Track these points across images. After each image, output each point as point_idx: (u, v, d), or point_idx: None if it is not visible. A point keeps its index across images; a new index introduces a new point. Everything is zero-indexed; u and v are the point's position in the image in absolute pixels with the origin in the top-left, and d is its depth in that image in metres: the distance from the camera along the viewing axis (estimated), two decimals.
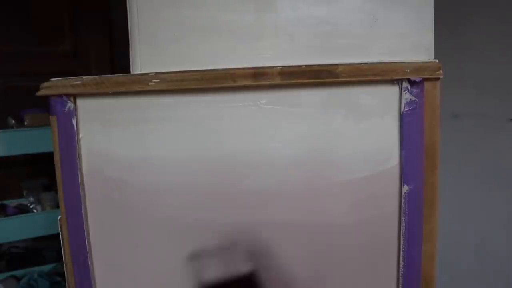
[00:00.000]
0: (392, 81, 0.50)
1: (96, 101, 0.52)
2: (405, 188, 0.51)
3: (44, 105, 0.52)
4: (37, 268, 1.56)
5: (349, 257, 0.53)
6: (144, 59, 0.52)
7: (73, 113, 0.52)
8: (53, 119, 0.52)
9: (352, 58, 0.51)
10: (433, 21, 0.51)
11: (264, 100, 0.52)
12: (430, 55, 0.51)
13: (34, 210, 1.59)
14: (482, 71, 1.24)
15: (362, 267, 0.54)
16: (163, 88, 0.50)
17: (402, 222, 0.51)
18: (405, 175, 0.51)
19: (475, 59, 1.24)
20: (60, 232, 0.54)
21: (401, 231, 0.52)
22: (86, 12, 2.17)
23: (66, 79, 0.51)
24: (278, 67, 0.49)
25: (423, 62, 0.50)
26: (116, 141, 0.53)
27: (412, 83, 0.49)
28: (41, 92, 0.51)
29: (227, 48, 0.52)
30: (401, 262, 0.52)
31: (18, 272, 1.54)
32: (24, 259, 1.70)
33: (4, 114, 1.57)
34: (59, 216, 0.54)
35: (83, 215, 0.53)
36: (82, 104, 0.52)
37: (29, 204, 1.61)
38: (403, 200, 0.51)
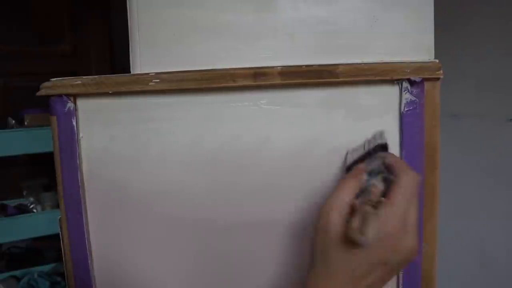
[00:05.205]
0: (392, 81, 0.50)
1: (96, 101, 0.52)
2: None
3: (44, 105, 0.52)
4: (37, 268, 1.57)
5: None
6: (144, 59, 0.52)
7: (73, 113, 0.52)
8: (53, 119, 0.52)
9: (352, 58, 0.51)
10: (433, 21, 0.51)
11: (264, 100, 0.52)
12: (430, 55, 0.51)
13: (34, 210, 1.59)
14: (482, 71, 1.24)
15: None
16: (163, 88, 0.50)
17: None
18: None
19: (475, 59, 1.24)
20: (60, 232, 0.54)
21: None
22: (86, 12, 2.17)
23: (66, 79, 0.51)
24: (278, 67, 0.49)
25: (423, 62, 0.50)
26: (116, 141, 0.53)
27: (412, 83, 0.49)
28: (41, 92, 0.51)
29: (227, 48, 0.52)
30: None
31: (18, 272, 1.54)
32: (24, 259, 1.71)
33: (4, 114, 1.57)
34: (59, 216, 0.54)
35: (83, 215, 0.53)
36: (82, 104, 0.52)
37: (29, 204, 1.61)
38: None
